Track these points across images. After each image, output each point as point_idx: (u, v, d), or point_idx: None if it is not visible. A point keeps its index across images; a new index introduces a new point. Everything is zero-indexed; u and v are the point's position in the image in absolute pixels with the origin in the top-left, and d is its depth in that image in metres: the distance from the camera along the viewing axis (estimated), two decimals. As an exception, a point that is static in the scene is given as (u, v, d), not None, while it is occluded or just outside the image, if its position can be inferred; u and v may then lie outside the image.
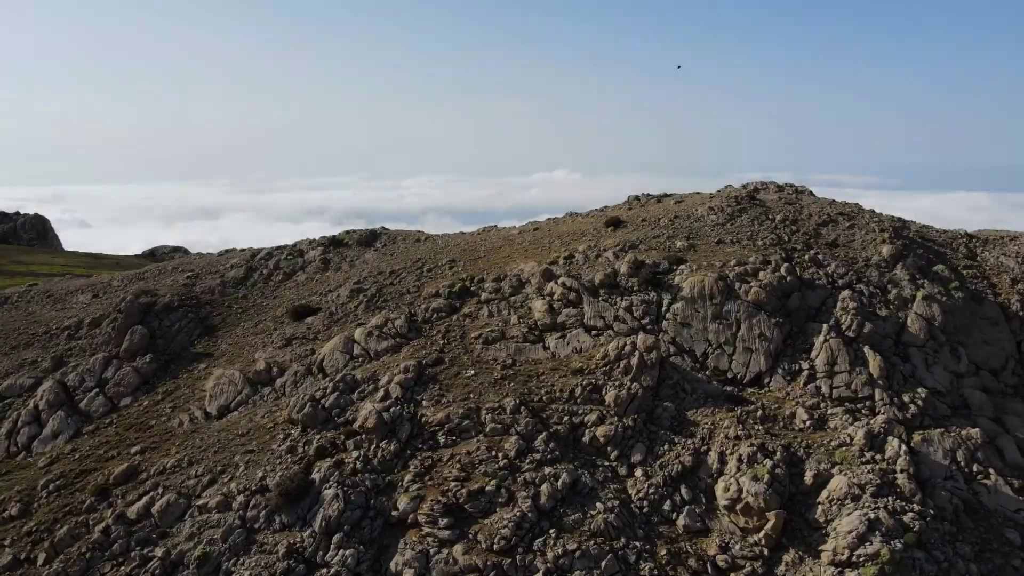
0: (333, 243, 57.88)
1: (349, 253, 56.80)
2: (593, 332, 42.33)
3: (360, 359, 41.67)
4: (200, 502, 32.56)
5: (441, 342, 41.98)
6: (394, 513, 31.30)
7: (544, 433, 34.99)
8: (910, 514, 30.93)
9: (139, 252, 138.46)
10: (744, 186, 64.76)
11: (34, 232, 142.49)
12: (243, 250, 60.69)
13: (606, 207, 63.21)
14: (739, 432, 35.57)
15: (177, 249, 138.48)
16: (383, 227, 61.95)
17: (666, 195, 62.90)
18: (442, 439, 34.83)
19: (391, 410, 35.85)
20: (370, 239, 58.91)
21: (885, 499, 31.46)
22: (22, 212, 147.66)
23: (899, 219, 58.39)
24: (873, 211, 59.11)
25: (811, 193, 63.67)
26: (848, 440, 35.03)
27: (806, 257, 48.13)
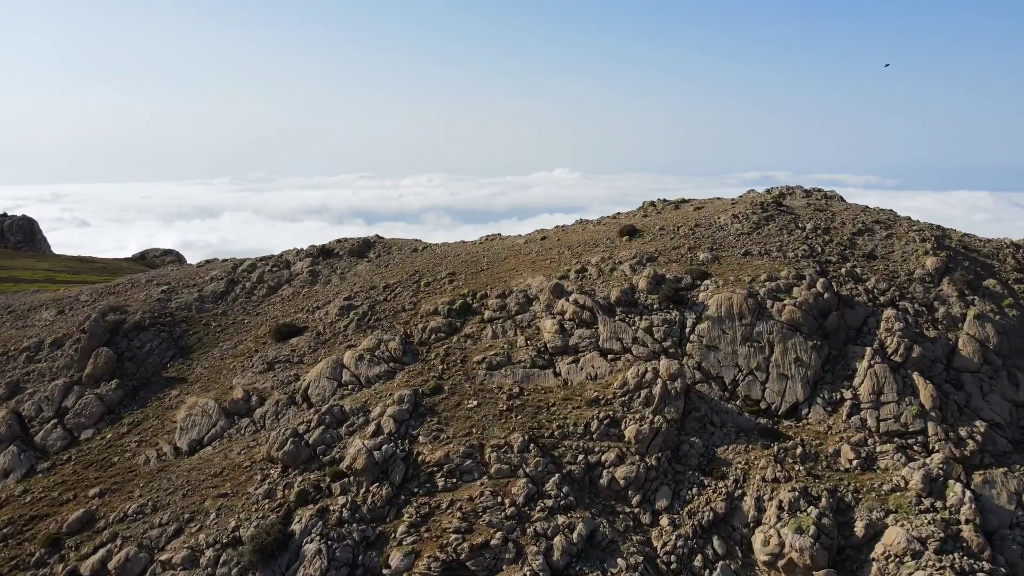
0: (322, 253, 54.60)
1: (340, 264, 53.50)
2: (609, 356, 39.01)
3: (349, 387, 38.37)
4: (163, 556, 29.22)
5: (440, 367, 38.68)
6: (385, 572, 27.91)
7: (556, 475, 31.65)
8: (980, 574, 27.55)
9: (130, 255, 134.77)
10: (768, 191, 61.48)
11: (21, 234, 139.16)
12: (224, 261, 57.45)
13: (619, 214, 59.94)
14: (777, 473, 32.23)
15: (169, 252, 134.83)
16: (377, 236, 58.68)
17: (684, 200, 59.68)
18: (441, 482, 31.50)
19: (383, 448, 32.52)
20: (363, 249, 55.63)
21: (951, 556, 28.08)
22: (9, 214, 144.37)
23: (938, 227, 55.08)
24: (910, 218, 55.84)
25: (841, 199, 60.40)
26: (902, 483, 31.68)
27: (842, 271, 44.82)
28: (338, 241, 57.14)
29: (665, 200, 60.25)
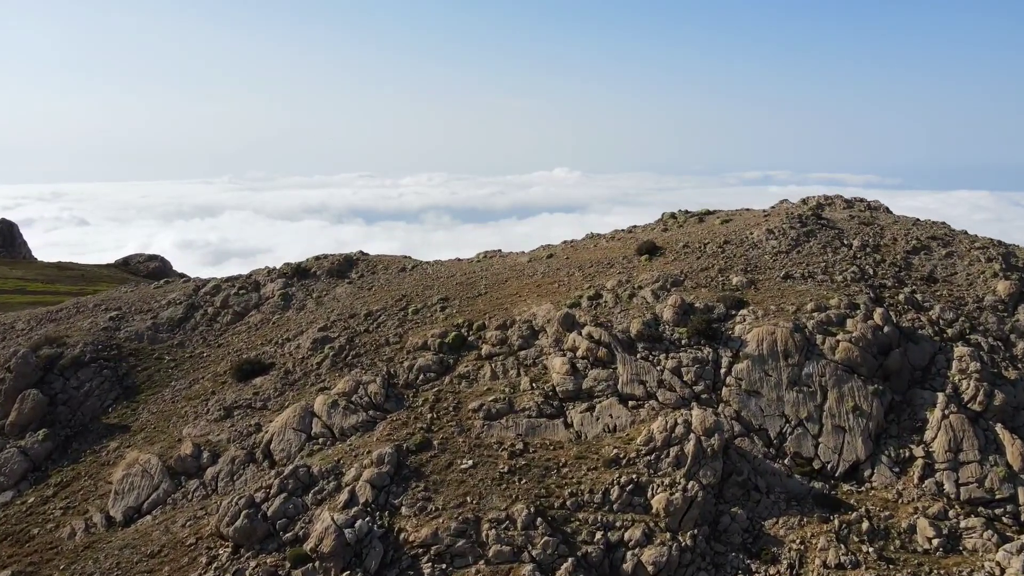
0: (297, 273, 49.60)
1: (316, 287, 48.49)
2: (631, 403, 34.03)
3: (320, 440, 33.36)
4: (78, 670, 24.24)
5: (429, 416, 33.69)
6: None
7: (570, 559, 26.65)
8: None
9: (112, 261, 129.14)
10: (804, 201, 56.54)
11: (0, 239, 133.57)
12: (186, 281, 52.43)
13: (635, 227, 54.99)
14: (841, 557, 27.21)
15: (154, 257, 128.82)
16: (361, 252, 53.75)
17: (708, 212, 54.73)
18: (427, 568, 26.49)
19: (357, 524, 27.48)
20: (344, 268, 50.64)
21: (1072, 675, 23.07)
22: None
23: (1000, 242, 50.08)
24: (967, 232, 50.89)
25: (887, 210, 55.48)
26: (997, 571, 26.64)
27: (900, 297, 39.89)
28: (316, 259, 52.14)
29: (687, 212, 55.27)
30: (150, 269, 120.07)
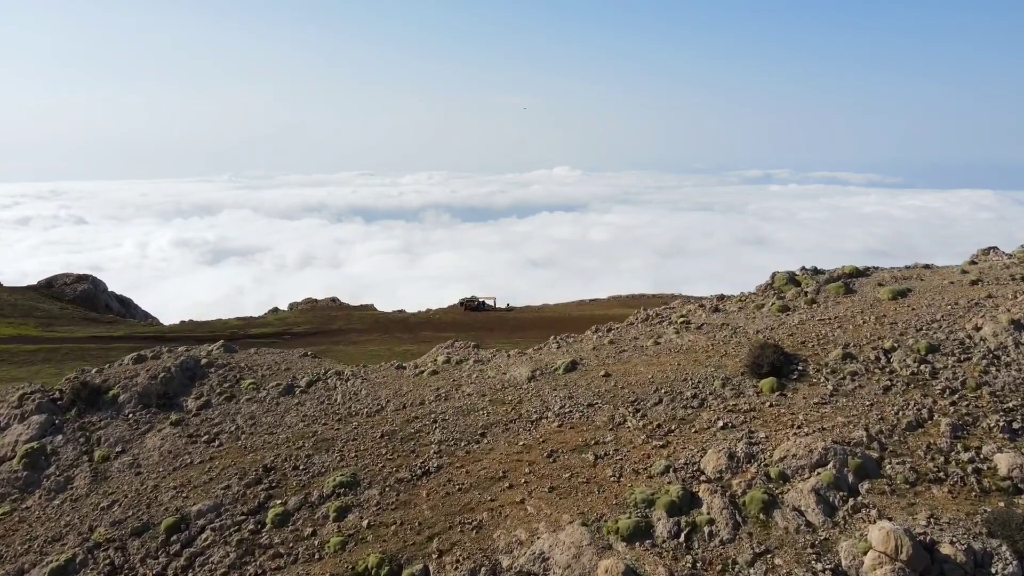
0: (79, 399, 28.34)
1: (111, 432, 27.22)
2: None
3: None
4: None
5: None
6: None
7: None
8: None
9: (34, 282, 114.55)
10: (1026, 250, 35.25)
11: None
12: None
13: (723, 298, 33.54)
14: None
15: (84, 277, 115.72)
16: (223, 346, 32.68)
17: (857, 272, 33.16)
18: None
19: None
20: (178, 387, 29.27)
21: None
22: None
23: None
24: None
25: None
26: None
27: None
28: (135, 361, 30.85)
29: (816, 271, 33.92)
30: (77, 292, 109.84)
